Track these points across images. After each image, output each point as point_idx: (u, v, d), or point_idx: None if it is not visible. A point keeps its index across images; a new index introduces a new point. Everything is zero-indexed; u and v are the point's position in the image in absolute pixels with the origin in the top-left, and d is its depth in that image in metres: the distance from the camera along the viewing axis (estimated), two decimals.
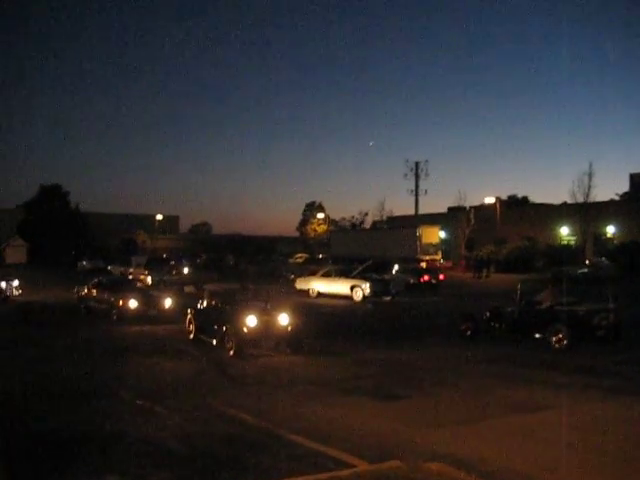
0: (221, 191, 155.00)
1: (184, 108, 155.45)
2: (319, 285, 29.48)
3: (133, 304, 19.88)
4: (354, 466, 6.49)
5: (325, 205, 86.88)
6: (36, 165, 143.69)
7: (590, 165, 47.52)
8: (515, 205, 68.16)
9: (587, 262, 41.47)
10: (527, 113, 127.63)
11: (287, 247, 77.75)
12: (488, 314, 16.12)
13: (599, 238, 49.84)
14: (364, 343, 15.56)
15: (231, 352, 13.45)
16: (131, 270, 38.22)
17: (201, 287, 29.81)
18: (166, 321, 19.08)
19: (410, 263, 37.71)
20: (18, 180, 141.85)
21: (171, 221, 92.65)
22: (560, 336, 14.18)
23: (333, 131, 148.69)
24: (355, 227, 75.41)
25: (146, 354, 14.02)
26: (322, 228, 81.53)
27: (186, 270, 39.13)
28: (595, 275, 34.93)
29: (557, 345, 14.17)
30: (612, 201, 55.33)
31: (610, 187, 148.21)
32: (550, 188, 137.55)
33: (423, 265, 39.03)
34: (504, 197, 66.26)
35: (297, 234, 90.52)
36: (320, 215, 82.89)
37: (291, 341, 13.87)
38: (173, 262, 42.89)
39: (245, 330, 13.44)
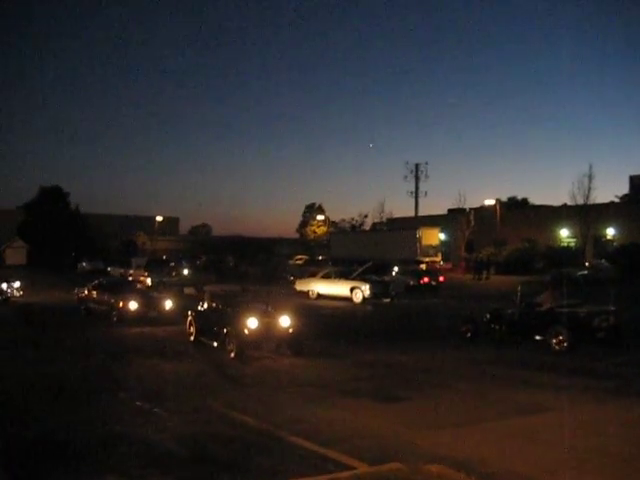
0: (221, 193, 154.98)
1: (184, 109, 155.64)
2: (319, 287, 29.48)
3: (133, 306, 19.86)
4: (354, 468, 6.49)
5: (325, 207, 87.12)
6: (36, 166, 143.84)
7: (590, 167, 47.57)
8: (515, 207, 68.16)
9: (587, 264, 41.45)
10: (527, 115, 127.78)
11: (287, 249, 77.68)
12: (488, 316, 16.13)
13: (599, 240, 49.82)
14: (364, 345, 15.55)
15: (232, 354, 13.42)
16: (131, 272, 38.20)
17: (201, 289, 29.93)
18: (166, 323, 19.07)
19: (410, 265, 37.71)
20: (18, 181, 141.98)
21: (171, 223, 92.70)
22: (560, 338, 14.18)
23: (333, 132, 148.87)
24: (355, 229, 75.40)
25: (146, 356, 14.02)
26: (322, 230, 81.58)
27: (186, 272, 39.08)
28: (595, 277, 34.94)
29: (557, 347, 14.17)
30: (612, 203, 55.27)
31: (610, 189, 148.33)
32: (550, 190, 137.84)
33: (423, 267, 39.03)
34: (504, 199, 66.29)
35: (297, 236, 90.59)
36: (320, 217, 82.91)
37: (292, 343, 13.84)
38: (173, 264, 42.87)
39: (246, 332, 13.41)
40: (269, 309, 14.54)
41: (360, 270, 29.63)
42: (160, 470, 6.61)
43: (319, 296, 29.02)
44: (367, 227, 74.53)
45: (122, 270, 40.26)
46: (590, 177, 46.79)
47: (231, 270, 49.72)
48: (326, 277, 29.88)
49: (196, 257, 58.03)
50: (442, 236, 51.07)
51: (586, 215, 45.67)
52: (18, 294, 27.63)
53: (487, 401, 9.75)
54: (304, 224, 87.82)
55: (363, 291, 27.09)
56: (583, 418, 8.59)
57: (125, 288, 22.52)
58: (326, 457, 6.87)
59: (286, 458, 6.88)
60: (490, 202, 55.85)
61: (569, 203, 49.50)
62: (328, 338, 16.25)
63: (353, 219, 79.10)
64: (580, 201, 47.01)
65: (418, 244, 45.37)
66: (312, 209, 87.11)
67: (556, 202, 61.14)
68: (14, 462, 6.96)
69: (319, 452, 7.05)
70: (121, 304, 19.96)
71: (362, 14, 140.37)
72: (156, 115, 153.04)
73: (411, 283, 31.51)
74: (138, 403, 9.66)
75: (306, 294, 29.45)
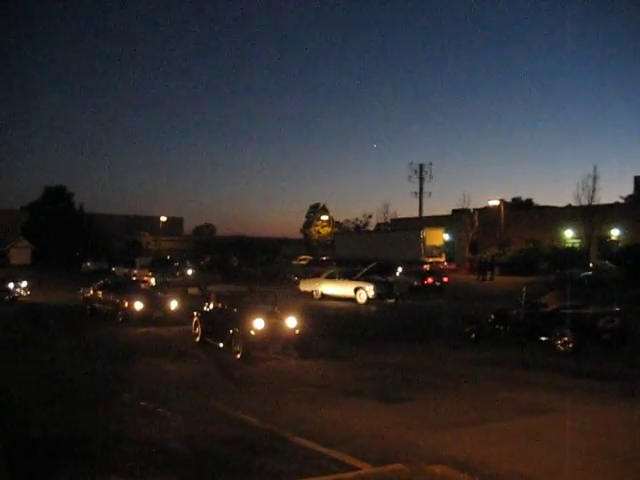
0: (225, 193, 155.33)
1: (188, 110, 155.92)
2: (323, 287, 29.48)
3: (139, 306, 19.88)
4: (358, 469, 6.50)
5: (329, 207, 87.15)
6: (40, 167, 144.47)
7: (595, 168, 47.85)
8: (519, 208, 68.09)
9: (591, 265, 41.37)
10: (532, 116, 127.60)
11: (291, 249, 77.82)
12: (493, 317, 16.11)
13: (603, 241, 49.73)
14: (368, 345, 15.55)
15: (238, 355, 13.36)
16: (135, 271, 38.30)
17: (205, 288, 30.02)
18: (172, 323, 19.09)
19: (414, 265, 37.74)
20: (22, 182, 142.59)
21: (175, 223, 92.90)
22: (565, 339, 14.14)
23: (337, 133, 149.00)
24: (359, 229, 75.41)
25: (151, 356, 14.04)
26: (326, 230, 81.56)
27: (190, 272, 39.16)
28: (599, 278, 34.89)
29: (562, 348, 14.14)
30: (617, 204, 55.17)
31: (615, 190, 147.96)
32: (554, 191, 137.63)
33: (427, 267, 39.05)
34: (508, 199, 66.27)
35: (301, 236, 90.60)
36: (324, 217, 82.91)
37: (299, 344, 13.77)
38: (177, 264, 42.96)
39: (252, 333, 13.32)
40: (275, 310, 14.48)
41: (364, 271, 29.60)
42: (163, 470, 6.63)
43: (323, 296, 29.02)
44: (371, 228, 74.62)
45: (126, 270, 40.36)
46: (595, 178, 46.83)
47: (235, 270, 49.78)
48: (330, 277, 29.88)
49: (200, 257, 58.13)
50: (446, 237, 51.07)
51: (590, 216, 45.61)
52: (25, 294, 27.80)
53: (490, 402, 9.74)
54: (308, 224, 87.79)
55: (367, 292, 27.08)
56: (587, 419, 8.57)
57: (131, 288, 22.56)
58: (330, 457, 6.88)
59: (290, 458, 6.89)
60: (494, 203, 55.80)
61: (573, 204, 49.49)
62: (332, 339, 16.25)
63: (357, 219, 79.26)
64: (584, 202, 46.99)
65: (422, 245, 45.34)
66: (316, 209, 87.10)
67: (560, 203, 61.17)
68: (17, 462, 7.00)
69: (323, 452, 7.06)
70: (127, 304, 19.99)
71: (365, 15, 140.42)
72: (160, 115, 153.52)
73: (415, 284, 31.49)
74: (142, 403, 9.68)
75: (310, 294, 29.46)
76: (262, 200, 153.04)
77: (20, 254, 66.77)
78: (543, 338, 14.73)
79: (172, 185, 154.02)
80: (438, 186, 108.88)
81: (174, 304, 20.60)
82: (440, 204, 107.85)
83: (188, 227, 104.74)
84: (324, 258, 57.65)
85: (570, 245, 52.84)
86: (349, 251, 51.37)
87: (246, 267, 52.47)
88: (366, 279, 28.25)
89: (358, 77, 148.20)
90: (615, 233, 50.00)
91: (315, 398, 10.05)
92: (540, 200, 73.77)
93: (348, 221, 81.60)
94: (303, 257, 62.94)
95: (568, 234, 52.96)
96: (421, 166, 60.14)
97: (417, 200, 60.16)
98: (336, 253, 55.64)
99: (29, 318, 21.52)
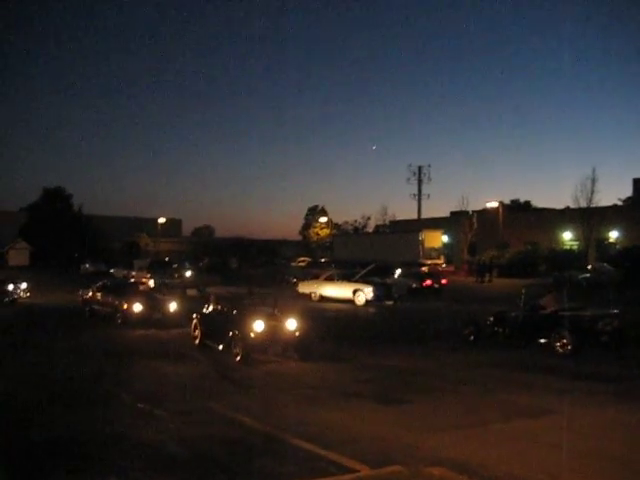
0: (224, 194, 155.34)
1: (187, 111, 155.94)
2: (321, 289, 29.47)
3: (138, 308, 19.85)
4: (356, 471, 6.51)
5: (328, 209, 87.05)
6: (39, 168, 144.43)
7: (593, 170, 47.66)
8: (518, 210, 68.17)
9: (589, 267, 41.43)
10: (530, 117, 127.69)
11: (290, 251, 77.84)
12: (492, 319, 16.12)
13: (602, 243, 49.78)
14: (367, 347, 15.56)
15: (237, 357, 13.32)
16: (133, 273, 38.27)
17: (204, 290, 30.02)
18: (171, 325, 19.07)
19: (413, 267, 37.70)
20: (21, 183, 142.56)
21: (174, 224, 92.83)
22: (564, 341, 14.15)
23: (336, 134, 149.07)
24: (358, 231, 75.49)
25: (150, 358, 14.03)
26: (325, 232, 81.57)
27: (189, 273, 39.16)
28: (597, 280, 34.91)
29: (561, 350, 14.15)
30: (615, 206, 55.25)
31: (613, 192, 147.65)
32: (553, 193, 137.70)
33: (425, 269, 39.02)
34: (507, 201, 66.38)
35: (300, 238, 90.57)
36: (323, 219, 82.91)
37: (298, 347, 13.74)
38: (175, 265, 42.94)
39: (252, 335, 13.27)
40: (275, 312, 14.45)
41: (363, 272, 29.62)
42: (161, 472, 6.63)
43: (322, 298, 29.01)
44: (370, 229, 74.72)
45: (125, 272, 40.33)
46: (593, 180, 46.93)
47: (234, 272, 49.78)
48: (329, 279, 29.89)
49: (199, 259, 58.11)
50: (445, 239, 51.10)
51: (589, 218, 45.68)
52: (25, 295, 27.80)
53: (489, 404, 9.76)
54: (307, 226, 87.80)
55: (366, 293, 27.09)
56: (586, 421, 8.59)
57: (129, 290, 22.52)
58: (328, 459, 6.88)
59: (288, 460, 6.90)
60: (493, 205, 55.88)
61: (572, 206, 49.57)
62: (331, 341, 16.25)
63: (356, 221, 79.39)
64: (583, 204, 47.08)
65: (421, 247, 45.38)
66: (315, 211, 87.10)
67: (559, 205, 61.25)
68: (16, 463, 7.00)
69: (321, 454, 7.07)
70: (125, 306, 19.96)
71: (365, 15, 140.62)
72: (159, 117, 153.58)
73: (414, 286, 31.48)
74: (140, 405, 9.68)
75: (309, 296, 29.44)
76: (261, 202, 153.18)
77: (18, 255, 66.73)
78: (542, 340, 14.75)
79: (171, 186, 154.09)
80: (437, 188, 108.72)
81: (173, 306, 20.57)
82: (439, 206, 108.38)
83: (187, 228, 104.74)
84: (323, 260, 57.63)
85: (568, 247, 52.88)
86: (348, 253, 51.37)
87: (245, 269, 52.47)
88: (365, 281, 28.26)
89: (357, 78, 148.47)
90: (613, 235, 50.06)
91: (314, 400, 10.05)
92: (538, 202, 73.89)
93: (347, 223, 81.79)
94: (302, 259, 62.93)
95: (566, 236, 53.01)
96: (420, 168, 60.24)
97: (416, 202, 60.30)
98: (335, 255, 55.65)
99: (28, 320, 21.51)
